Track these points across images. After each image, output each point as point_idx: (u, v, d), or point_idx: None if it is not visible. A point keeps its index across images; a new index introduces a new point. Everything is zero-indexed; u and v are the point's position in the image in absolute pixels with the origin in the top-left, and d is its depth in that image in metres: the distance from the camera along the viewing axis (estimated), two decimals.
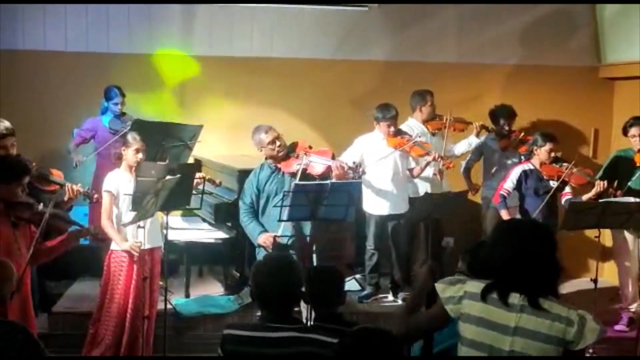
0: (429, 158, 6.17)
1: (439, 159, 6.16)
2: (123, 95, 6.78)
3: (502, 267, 2.78)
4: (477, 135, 6.81)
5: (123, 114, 6.81)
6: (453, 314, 2.82)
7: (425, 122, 6.79)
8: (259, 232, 5.46)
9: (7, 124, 5.32)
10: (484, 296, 2.76)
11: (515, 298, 2.74)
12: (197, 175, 5.60)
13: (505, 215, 6.10)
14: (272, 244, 5.35)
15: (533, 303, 2.71)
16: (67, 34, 7.45)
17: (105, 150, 6.44)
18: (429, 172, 6.62)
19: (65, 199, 5.05)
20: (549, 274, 2.83)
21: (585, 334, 2.73)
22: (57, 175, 5.21)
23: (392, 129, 6.25)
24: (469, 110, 7.03)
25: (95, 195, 5.29)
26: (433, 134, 6.81)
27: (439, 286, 2.86)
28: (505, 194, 6.15)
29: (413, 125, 6.75)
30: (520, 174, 6.15)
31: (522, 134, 6.87)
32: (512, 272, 2.76)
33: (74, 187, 5.10)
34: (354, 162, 5.63)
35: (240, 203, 5.64)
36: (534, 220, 5.41)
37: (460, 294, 2.80)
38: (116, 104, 6.76)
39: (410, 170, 6.42)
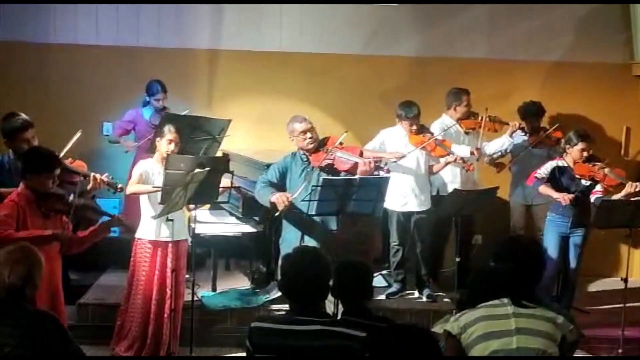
0: (450, 158, 6.11)
1: (460, 161, 6.09)
2: (165, 91, 6.84)
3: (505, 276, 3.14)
4: (511, 135, 6.68)
5: (164, 108, 6.86)
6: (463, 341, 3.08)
7: (459, 120, 6.72)
8: (271, 192, 5.42)
9: (24, 116, 5.36)
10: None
11: (506, 307, 3.06)
12: (224, 183, 5.58)
13: (544, 190, 6.03)
14: (286, 204, 5.28)
15: (520, 304, 3.08)
16: (99, 27, 7.52)
17: (144, 144, 6.50)
18: (457, 169, 6.57)
19: (89, 188, 5.06)
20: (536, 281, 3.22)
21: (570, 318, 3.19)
22: (79, 165, 5.23)
23: (414, 127, 6.21)
24: (499, 107, 6.96)
25: (120, 185, 5.30)
26: (466, 133, 6.75)
27: (437, 328, 3.27)
28: (539, 177, 6.07)
29: (447, 123, 6.69)
30: (555, 167, 6.10)
31: (551, 130, 6.79)
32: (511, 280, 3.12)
33: (98, 176, 5.12)
34: (379, 160, 5.60)
35: (260, 178, 5.64)
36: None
37: (461, 325, 3.07)
38: (158, 99, 6.83)
39: (431, 167, 6.37)
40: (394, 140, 6.31)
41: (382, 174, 5.75)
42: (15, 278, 3.25)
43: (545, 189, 6.06)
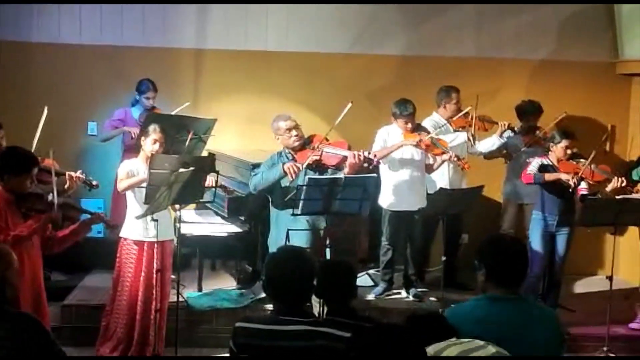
0: (445, 157, 6.11)
1: (455, 159, 6.09)
2: (155, 90, 6.82)
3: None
4: (501, 135, 6.70)
5: (153, 108, 6.83)
6: None
7: (449, 118, 6.72)
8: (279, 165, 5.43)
9: None
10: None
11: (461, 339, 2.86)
12: (210, 180, 5.56)
13: (550, 176, 5.98)
14: (296, 172, 5.32)
15: None
16: (82, 26, 7.47)
17: (132, 142, 6.47)
18: (444, 167, 6.56)
19: (66, 186, 5.02)
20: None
21: None
22: (50, 164, 5.20)
23: (409, 125, 6.20)
24: (487, 105, 6.96)
25: (95, 182, 5.27)
26: (456, 131, 6.75)
27: None
28: (534, 172, 6.03)
29: (437, 120, 6.69)
30: (540, 165, 6.09)
31: (549, 127, 6.79)
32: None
33: (74, 174, 5.08)
34: (368, 152, 5.58)
35: (254, 172, 5.60)
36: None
37: (431, 353, 2.82)
38: (148, 98, 6.82)
39: (428, 165, 6.37)
40: (391, 137, 6.29)
41: (381, 168, 5.74)
42: None
43: (550, 175, 6.00)
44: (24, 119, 6.21)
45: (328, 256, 5.43)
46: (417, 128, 6.27)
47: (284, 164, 5.40)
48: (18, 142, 5.00)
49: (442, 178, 6.65)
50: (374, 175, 5.64)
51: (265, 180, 5.47)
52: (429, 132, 6.23)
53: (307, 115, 7.15)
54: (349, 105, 5.50)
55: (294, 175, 5.34)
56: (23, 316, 3.30)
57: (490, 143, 6.78)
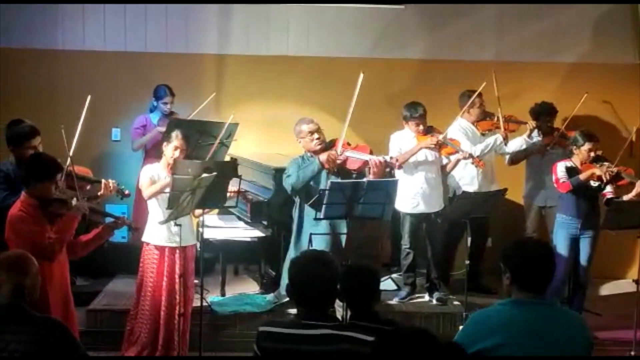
0: (459, 156, 6.10)
1: (469, 157, 6.07)
2: (172, 95, 6.86)
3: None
4: (529, 135, 6.69)
5: (172, 113, 6.87)
6: None
7: (475, 122, 6.71)
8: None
9: (30, 123, 5.35)
10: None
11: None
12: (232, 189, 5.57)
13: (584, 175, 5.93)
14: (334, 161, 5.39)
15: None
16: (106, 33, 7.55)
17: (152, 148, 6.51)
18: (473, 171, 6.54)
19: (100, 194, 5.07)
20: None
21: None
22: (84, 172, 5.24)
23: (420, 127, 6.20)
24: (508, 109, 6.93)
25: (127, 191, 5.31)
26: (483, 134, 6.74)
27: None
28: (567, 178, 5.98)
29: (464, 125, 6.68)
30: (566, 169, 6.04)
31: (563, 129, 6.76)
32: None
33: (109, 182, 5.14)
34: (390, 157, 5.58)
35: (287, 174, 5.58)
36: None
37: None
38: (165, 103, 6.85)
39: (444, 166, 6.36)
40: (403, 142, 6.29)
41: (396, 171, 5.74)
42: (6, 296, 3.22)
43: (585, 174, 5.94)
44: (49, 126, 6.25)
45: (350, 261, 5.43)
46: (429, 130, 6.26)
47: (318, 156, 5.43)
48: (45, 148, 5.06)
49: (472, 182, 6.64)
50: (397, 179, 5.64)
51: (303, 177, 5.48)
52: (441, 133, 6.22)
53: (327, 119, 7.13)
54: (362, 75, 5.52)
55: (332, 164, 5.39)
56: (48, 320, 3.34)
57: (517, 144, 6.77)
